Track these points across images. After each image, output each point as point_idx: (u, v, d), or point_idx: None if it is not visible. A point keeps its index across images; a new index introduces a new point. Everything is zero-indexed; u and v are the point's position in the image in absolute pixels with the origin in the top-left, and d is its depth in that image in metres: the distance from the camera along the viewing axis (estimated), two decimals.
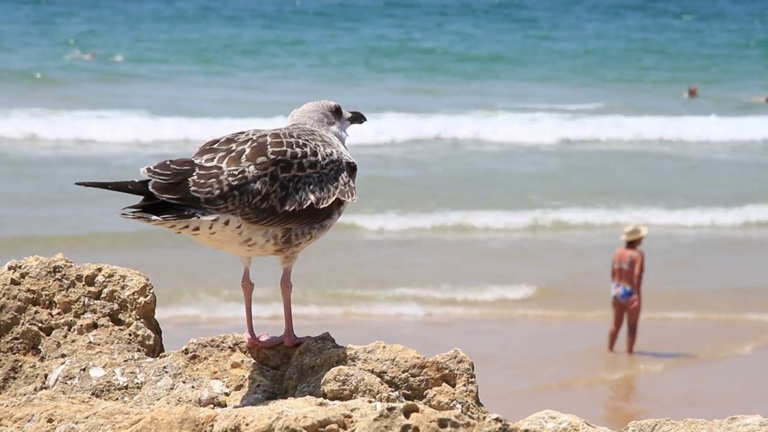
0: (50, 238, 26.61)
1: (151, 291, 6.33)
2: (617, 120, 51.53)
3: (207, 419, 5.27)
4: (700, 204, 34.36)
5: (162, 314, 7.38)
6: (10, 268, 6.30)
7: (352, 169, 6.02)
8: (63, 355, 6.12)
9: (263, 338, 6.10)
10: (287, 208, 5.71)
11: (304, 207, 5.75)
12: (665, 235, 31.14)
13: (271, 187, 5.68)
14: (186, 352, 6.05)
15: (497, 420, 4.93)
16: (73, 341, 6.17)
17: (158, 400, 5.84)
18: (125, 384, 5.97)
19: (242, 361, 6.01)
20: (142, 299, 6.30)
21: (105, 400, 5.88)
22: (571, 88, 64.17)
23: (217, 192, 5.59)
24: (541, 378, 20.40)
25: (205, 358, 6.04)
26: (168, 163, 5.63)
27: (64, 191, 31.92)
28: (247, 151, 5.70)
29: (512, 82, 65.39)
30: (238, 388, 5.91)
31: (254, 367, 5.98)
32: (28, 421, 5.53)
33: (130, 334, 6.22)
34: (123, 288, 6.31)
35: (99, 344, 6.15)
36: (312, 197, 5.77)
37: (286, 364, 6.00)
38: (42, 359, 6.15)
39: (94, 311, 6.25)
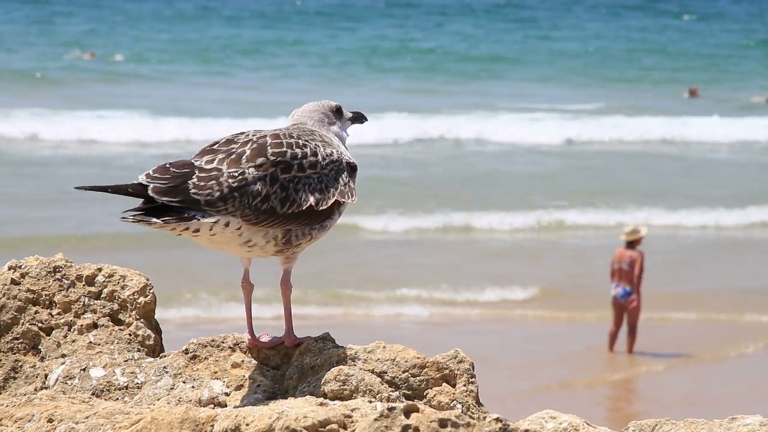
0: (51, 238, 26.61)
1: (152, 291, 6.33)
2: (619, 120, 51.54)
3: (207, 419, 5.27)
4: (701, 204, 34.36)
5: (162, 314, 7.37)
6: (10, 268, 6.30)
7: (352, 169, 6.01)
8: (63, 355, 6.11)
9: (263, 338, 6.10)
10: (287, 209, 5.70)
11: (304, 208, 5.74)
12: (666, 236, 31.15)
13: (271, 189, 5.67)
14: (186, 352, 6.05)
15: (497, 420, 4.93)
16: (74, 341, 6.17)
17: (158, 400, 5.84)
18: (125, 384, 5.97)
19: (242, 361, 6.01)
20: (142, 299, 6.30)
21: (105, 400, 5.88)
22: (572, 88, 64.20)
23: (217, 194, 5.58)
24: (542, 378, 20.40)
25: (205, 358, 6.04)
26: (167, 166, 5.62)
27: (64, 191, 31.92)
28: (247, 152, 5.69)
29: (513, 83, 65.41)
30: (239, 388, 5.91)
31: (254, 367, 5.98)
32: (29, 421, 5.53)
33: (130, 334, 6.22)
34: (123, 288, 6.30)
35: (99, 344, 6.15)
36: (312, 198, 5.76)
37: (287, 364, 6.00)
38: (42, 359, 6.15)
39: (94, 311, 6.25)
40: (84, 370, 6.02)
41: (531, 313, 24.00)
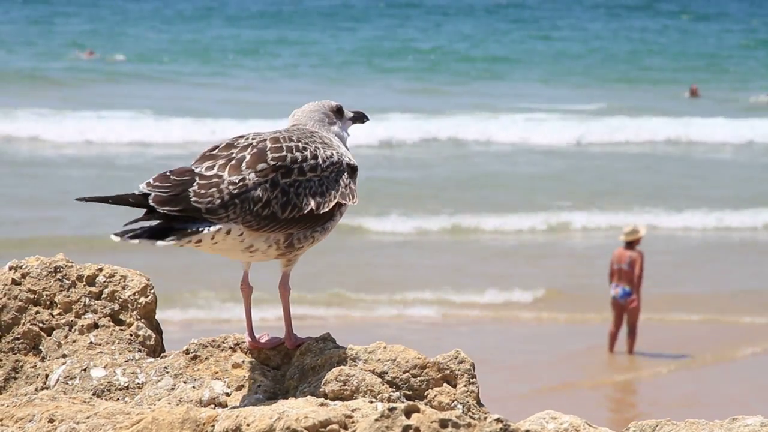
0: (52, 238, 26.61)
1: (152, 291, 6.33)
2: (622, 121, 51.53)
3: (208, 419, 5.27)
4: (704, 206, 34.34)
5: (163, 315, 7.38)
6: (11, 268, 6.30)
7: (352, 170, 5.99)
8: (64, 356, 6.11)
9: (263, 339, 6.10)
10: (288, 213, 5.69)
11: (305, 212, 5.73)
12: (669, 237, 31.15)
13: (272, 194, 5.65)
14: (187, 352, 6.05)
15: (498, 420, 4.93)
16: (74, 341, 6.17)
17: (159, 400, 5.84)
18: (126, 384, 5.97)
19: (243, 362, 6.01)
20: (143, 299, 6.30)
21: (106, 400, 5.88)
22: (572, 88, 64.21)
23: (218, 201, 5.55)
24: (542, 379, 20.40)
25: (206, 359, 6.04)
26: (168, 174, 5.60)
27: (66, 192, 31.92)
28: (248, 158, 5.66)
29: (514, 83, 65.43)
30: (239, 388, 5.91)
31: (255, 367, 5.99)
32: (29, 421, 5.53)
33: (131, 335, 6.22)
34: (124, 288, 6.30)
35: (100, 344, 6.15)
36: (313, 202, 5.75)
37: (287, 365, 6.00)
38: (43, 359, 6.15)
39: (95, 311, 6.25)
40: (85, 370, 6.02)
41: (533, 314, 24.00)
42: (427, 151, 44.13)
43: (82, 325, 6.20)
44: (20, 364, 6.12)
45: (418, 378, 5.77)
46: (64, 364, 6.05)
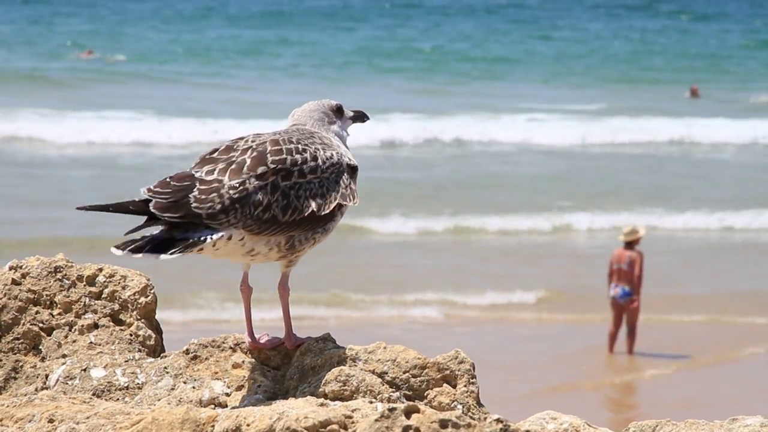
0: (52, 239, 26.61)
1: (152, 291, 6.33)
2: (623, 121, 51.52)
3: (208, 420, 5.26)
4: (706, 206, 34.33)
5: (163, 315, 7.37)
6: (11, 268, 6.30)
7: (353, 170, 5.98)
8: (64, 356, 6.11)
9: (263, 339, 6.09)
10: (289, 216, 5.68)
11: (306, 214, 5.72)
12: (670, 237, 31.14)
13: (273, 197, 5.63)
14: (187, 352, 6.05)
15: (498, 421, 4.93)
16: (74, 341, 6.17)
17: (159, 400, 5.84)
18: (126, 384, 5.97)
19: (243, 362, 6.01)
20: (143, 299, 6.30)
21: (106, 400, 5.88)
22: (573, 88, 64.20)
23: (218, 207, 5.55)
24: (542, 380, 20.40)
25: (206, 359, 6.04)
26: (168, 180, 5.60)
27: (67, 192, 31.92)
28: (248, 161, 5.65)
29: (514, 83, 65.41)
30: (239, 388, 5.91)
31: (255, 367, 5.98)
32: (29, 421, 5.52)
33: (131, 335, 6.22)
34: (124, 288, 6.30)
35: (100, 344, 6.15)
36: (313, 204, 5.74)
37: (287, 365, 6.00)
38: (43, 359, 6.15)
39: (95, 311, 6.25)
40: (85, 370, 6.02)
41: (533, 315, 23.99)
42: (428, 152, 44.12)
43: (82, 325, 6.20)
44: (20, 364, 6.12)
45: (418, 378, 5.77)
46: (64, 364, 6.05)
